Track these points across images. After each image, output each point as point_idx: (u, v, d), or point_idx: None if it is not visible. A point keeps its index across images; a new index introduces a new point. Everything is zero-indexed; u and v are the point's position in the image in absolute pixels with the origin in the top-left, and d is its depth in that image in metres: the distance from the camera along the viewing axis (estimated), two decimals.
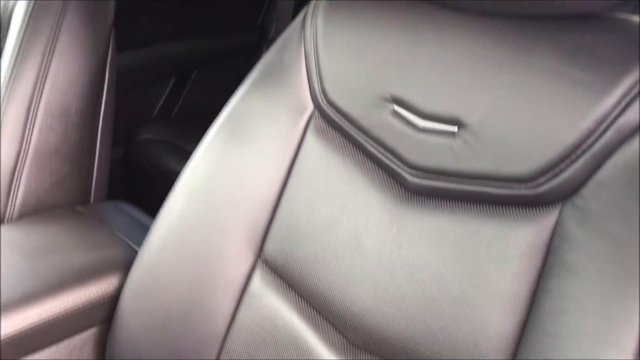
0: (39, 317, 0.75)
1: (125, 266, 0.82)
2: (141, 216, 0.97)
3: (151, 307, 0.76)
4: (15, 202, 0.91)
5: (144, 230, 0.93)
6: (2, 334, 0.72)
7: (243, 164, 0.75)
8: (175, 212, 0.77)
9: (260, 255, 0.74)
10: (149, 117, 1.68)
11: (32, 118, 0.90)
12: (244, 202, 0.74)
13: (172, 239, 0.76)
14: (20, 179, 0.91)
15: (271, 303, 0.72)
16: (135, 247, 0.87)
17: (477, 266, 0.60)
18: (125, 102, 1.34)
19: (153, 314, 0.75)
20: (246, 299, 0.73)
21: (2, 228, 0.89)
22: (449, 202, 0.63)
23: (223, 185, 0.75)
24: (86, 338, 0.81)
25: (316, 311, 0.69)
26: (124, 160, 1.58)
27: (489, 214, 0.60)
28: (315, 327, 0.69)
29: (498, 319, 0.58)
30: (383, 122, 0.67)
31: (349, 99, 0.69)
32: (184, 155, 1.29)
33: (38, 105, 0.91)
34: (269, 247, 0.73)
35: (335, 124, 0.71)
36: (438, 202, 0.63)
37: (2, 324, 0.72)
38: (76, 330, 0.80)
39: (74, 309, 0.77)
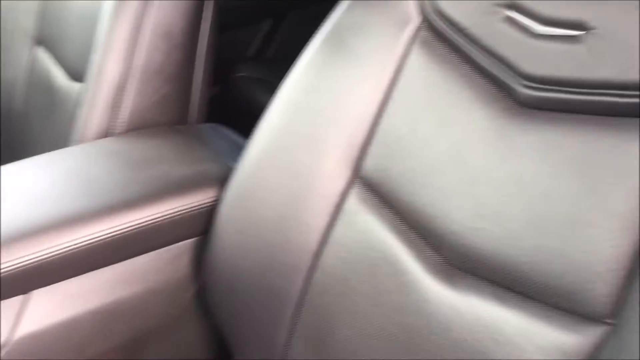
0: (139, 222, 0.77)
1: (222, 181, 0.82)
2: (238, 138, 0.97)
3: (247, 218, 0.76)
4: (121, 117, 0.93)
5: (240, 150, 0.93)
6: (104, 235, 0.74)
7: (343, 78, 0.73)
8: (273, 125, 0.76)
9: (357, 172, 0.72)
10: (245, 57, 1.68)
11: (139, 36, 0.92)
12: (343, 118, 0.72)
13: (269, 152, 0.76)
14: (127, 95, 0.93)
15: (366, 220, 0.70)
16: (230, 163, 0.87)
17: (592, 182, 0.55)
18: (223, 41, 1.34)
19: (249, 225, 0.76)
20: (341, 216, 0.72)
21: (109, 140, 0.92)
22: (565, 114, 0.58)
23: (321, 100, 0.73)
24: (183, 248, 0.83)
25: (413, 229, 0.67)
26: (221, 98, 1.59)
27: (609, 126, 0.55)
28: (411, 245, 0.67)
29: (613, 237, 0.53)
30: (495, 30, 0.62)
31: (459, 7, 0.65)
32: None
33: (145, 24, 0.92)
34: (367, 163, 0.71)
35: (442, 35, 0.67)
36: (552, 114, 0.59)
37: (106, 225, 0.74)
38: (174, 239, 0.82)
39: (173, 217, 0.79)
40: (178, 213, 0.79)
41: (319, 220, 0.72)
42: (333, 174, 0.72)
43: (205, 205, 0.81)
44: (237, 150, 0.93)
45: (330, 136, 0.72)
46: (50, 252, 0.71)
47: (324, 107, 0.73)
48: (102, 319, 0.79)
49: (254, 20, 1.66)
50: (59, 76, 1.08)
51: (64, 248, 0.72)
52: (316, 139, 0.73)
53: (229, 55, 1.56)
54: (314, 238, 0.72)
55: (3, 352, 0.72)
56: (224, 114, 1.58)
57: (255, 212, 0.76)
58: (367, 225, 0.69)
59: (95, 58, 0.94)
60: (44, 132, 1.11)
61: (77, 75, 1.03)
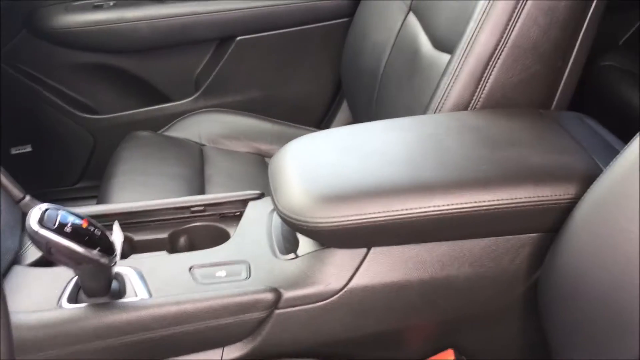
0: (487, 204, 0.72)
1: (585, 178, 0.72)
2: (606, 133, 0.85)
3: (607, 226, 0.65)
4: (482, 91, 0.89)
5: (608, 147, 0.81)
6: (451, 210, 0.71)
7: None
8: None
9: None
10: (614, 45, 1.50)
11: (519, 9, 0.85)
12: None
13: None
14: (492, 69, 0.88)
15: None
16: (597, 160, 0.76)
17: None
18: None
19: (607, 235, 0.64)
20: None
21: (466, 113, 0.88)
22: None
23: None
24: (525, 240, 0.76)
25: None
26: (580, 85, 1.45)
27: None
28: None
29: None
30: None
31: None
32: None
33: None
34: None
35: None
36: None
37: (455, 199, 0.71)
38: (518, 230, 0.75)
39: (523, 207, 0.72)
40: (530, 204, 0.72)
41: None
42: None
43: (561, 201, 0.72)
44: (604, 146, 0.81)
45: None
46: (398, 215, 0.71)
47: None
48: (430, 291, 0.77)
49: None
50: (425, 44, 1.08)
51: (411, 214, 0.71)
52: None
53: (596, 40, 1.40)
54: None
55: (336, 296, 0.76)
56: (580, 102, 1.43)
57: (618, 222, 0.64)
58: None
59: (468, 28, 0.90)
60: (401, 94, 1.14)
61: (441, 44, 1.01)
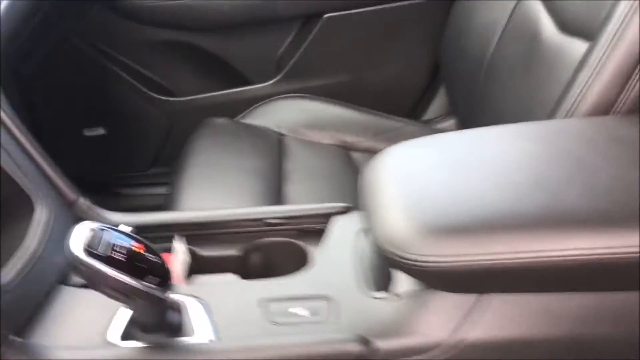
0: None
1: None
2: None
3: None
4: (631, 91, 0.70)
5: None
6: (601, 253, 0.54)
7: None
8: None
9: None
10: None
11: None
12: None
13: None
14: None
15: None
16: None
17: None
18: None
19: None
20: None
21: (611, 119, 0.69)
22: None
23: None
24: None
25: None
26: None
27: None
28: None
29: None
30: None
31: None
32: None
33: None
34: None
35: None
36: None
37: (607, 239, 0.53)
38: None
39: None
40: None
41: None
42: None
43: None
44: None
45: None
46: (532, 256, 0.53)
47: None
48: (561, 352, 0.60)
49: None
50: (547, 26, 0.88)
51: (549, 256, 0.53)
52: None
53: None
54: None
55: (438, 350, 0.60)
56: None
57: None
58: None
59: (618, 9, 0.71)
60: (514, 86, 0.95)
61: (572, 27, 0.82)
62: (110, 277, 0.54)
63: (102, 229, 0.56)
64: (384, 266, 0.66)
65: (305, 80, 1.33)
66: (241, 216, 0.77)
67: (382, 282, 0.65)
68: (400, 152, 0.66)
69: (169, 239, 0.76)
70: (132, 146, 1.41)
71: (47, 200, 0.69)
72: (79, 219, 0.75)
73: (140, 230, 0.77)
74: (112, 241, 0.56)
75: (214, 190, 1.03)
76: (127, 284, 0.54)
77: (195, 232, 0.77)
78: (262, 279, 0.68)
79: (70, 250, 0.54)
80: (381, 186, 0.62)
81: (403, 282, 0.63)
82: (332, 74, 1.34)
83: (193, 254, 0.76)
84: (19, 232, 0.66)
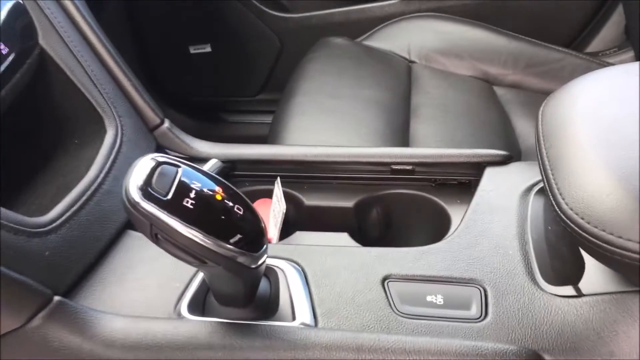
0: None
1: None
2: None
3: None
4: None
5: None
6: None
7: None
8: None
9: None
10: None
11: None
12: None
13: None
14: None
15: None
16: None
17: None
18: None
19: None
20: None
21: None
22: None
23: None
24: None
25: None
26: None
27: None
28: None
29: None
30: None
31: None
32: None
33: None
34: None
35: None
36: None
37: None
38: None
39: None
40: None
41: None
42: None
43: None
44: None
45: None
46: None
47: None
48: None
49: None
50: None
51: None
52: None
53: None
54: None
55: None
56: None
57: None
58: None
59: None
60: None
61: None
62: (173, 229, 0.37)
63: (175, 164, 0.39)
64: (573, 250, 0.44)
65: None
66: (360, 157, 0.58)
67: (566, 272, 0.44)
68: (595, 85, 0.44)
69: (267, 181, 0.59)
70: (239, 67, 1.25)
71: (124, 122, 0.54)
72: (159, 147, 0.59)
73: (232, 167, 0.60)
74: (186, 181, 0.39)
75: (326, 123, 0.84)
76: (198, 242, 0.37)
77: (301, 174, 0.59)
78: (386, 247, 0.49)
79: (127, 191, 0.37)
80: (578, 135, 0.40)
81: (599, 278, 0.42)
82: None
83: (295, 202, 0.59)
84: (83, 160, 0.51)
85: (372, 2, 1.14)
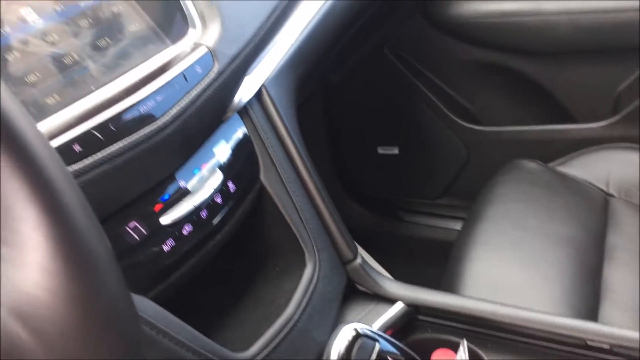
0: None
1: None
2: None
3: None
4: None
5: None
6: None
7: None
8: None
9: None
10: None
11: None
12: None
13: None
14: None
15: None
16: None
17: None
18: None
19: None
20: None
21: None
22: None
23: None
24: None
25: None
26: None
27: None
28: None
29: None
30: None
31: None
32: None
33: None
34: None
35: None
36: None
37: None
38: None
39: None
40: None
41: None
42: None
43: None
44: None
45: None
46: None
47: None
48: None
49: None
50: None
51: None
52: None
53: None
54: None
55: None
56: None
57: None
58: None
59: None
60: None
61: None
62: None
63: (373, 338, 0.40)
64: None
65: None
66: (551, 327, 0.55)
67: None
68: None
69: (450, 330, 0.58)
70: (424, 171, 1.26)
71: (322, 257, 0.57)
72: (349, 281, 0.61)
73: (416, 310, 0.61)
74: (383, 355, 0.40)
75: (510, 258, 0.81)
76: None
77: (485, 330, 0.57)
78: None
79: (327, 354, 0.39)
80: None
81: None
82: None
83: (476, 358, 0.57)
84: (283, 292, 0.55)
85: (570, 123, 1.10)
